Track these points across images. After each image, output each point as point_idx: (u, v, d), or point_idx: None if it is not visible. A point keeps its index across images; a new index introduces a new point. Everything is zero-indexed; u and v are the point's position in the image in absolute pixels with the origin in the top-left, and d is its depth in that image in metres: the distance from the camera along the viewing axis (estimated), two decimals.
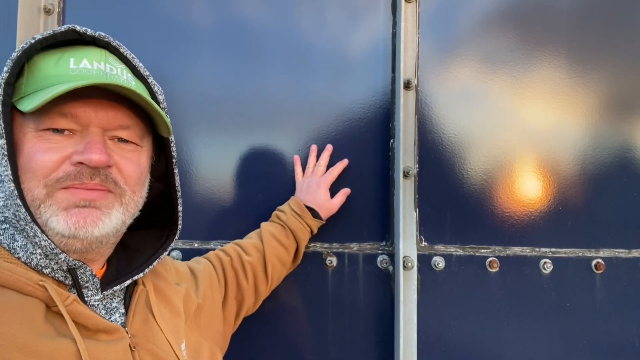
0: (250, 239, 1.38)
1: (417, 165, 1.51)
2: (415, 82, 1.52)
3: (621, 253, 1.51)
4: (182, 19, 1.56)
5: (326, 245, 1.52)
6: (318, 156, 1.53)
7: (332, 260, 1.50)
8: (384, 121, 1.54)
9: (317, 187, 1.45)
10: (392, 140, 1.53)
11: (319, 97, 1.54)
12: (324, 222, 1.45)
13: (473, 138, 1.52)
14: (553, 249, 1.50)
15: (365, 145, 1.53)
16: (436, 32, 1.54)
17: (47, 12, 1.54)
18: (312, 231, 1.43)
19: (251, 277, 1.30)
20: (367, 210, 1.53)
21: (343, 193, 1.49)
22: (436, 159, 1.51)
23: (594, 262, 1.50)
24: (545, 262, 1.49)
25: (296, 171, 1.52)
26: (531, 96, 1.53)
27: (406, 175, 1.48)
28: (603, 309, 1.49)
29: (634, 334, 1.49)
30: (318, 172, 1.49)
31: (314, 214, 1.42)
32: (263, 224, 1.42)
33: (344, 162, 1.52)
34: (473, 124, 1.52)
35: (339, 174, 1.51)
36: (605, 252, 1.51)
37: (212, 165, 1.54)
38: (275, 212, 1.44)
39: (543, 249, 1.50)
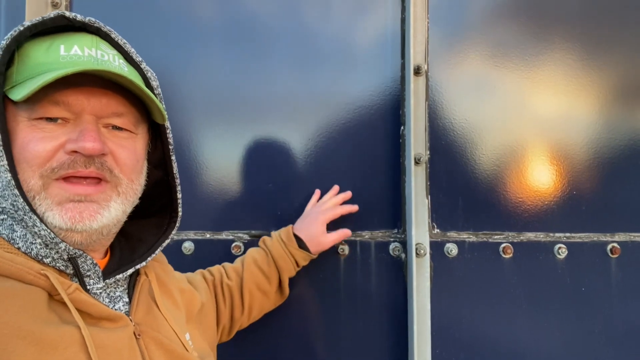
0: (235, 263, 1.29)
1: (428, 152, 1.41)
2: (425, 67, 1.42)
3: (637, 237, 1.40)
4: (190, 12, 1.47)
5: None
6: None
7: (344, 249, 1.41)
8: (394, 108, 1.44)
9: (314, 219, 1.32)
10: (402, 127, 1.43)
11: (328, 85, 1.44)
12: (313, 255, 1.31)
13: (484, 123, 1.41)
14: (567, 234, 1.40)
15: (376, 133, 1.44)
16: (446, 17, 1.43)
17: (55, 5, 1.45)
18: (297, 263, 1.28)
19: (228, 301, 1.22)
20: (378, 197, 1.43)
21: (342, 233, 1.35)
22: (447, 145, 1.41)
23: (609, 247, 1.40)
24: (559, 248, 1.39)
25: (311, 200, 1.40)
26: (543, 80, 1.42)
27: (417, 162, 1.39)
28: (619, 293, 1.39)
29: None
30: (324, 205, 1.36)
31: (301, 244, 1.28)
32: (250, 249, 1.31)
33: (354, 208, 1.38)
34: (484, 109, 1.42)
35: (342, 213, 1.36)
36: (621, 236, 1.40)
37: (224, 156, 1.45)
38: (264, 237, 1.33)
39: (557, 234, 1.40)
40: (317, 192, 1.42)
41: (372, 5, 1.45)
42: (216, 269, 1.26)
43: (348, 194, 1.40)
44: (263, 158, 1.44)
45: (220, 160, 1.45)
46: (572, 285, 1.39)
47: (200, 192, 1.43)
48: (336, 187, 1.41)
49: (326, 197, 1.40)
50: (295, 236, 1.28)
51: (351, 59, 1.44)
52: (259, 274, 1.25)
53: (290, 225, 1.33)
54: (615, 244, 1.39)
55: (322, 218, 1.32)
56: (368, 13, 1.45)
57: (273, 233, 1.32)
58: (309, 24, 1.45)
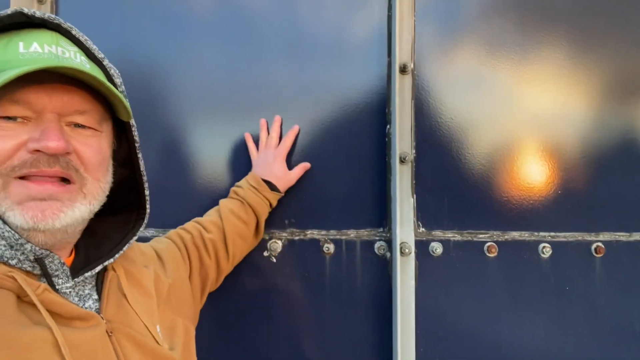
0: (210, 216, 1.27)
1: (413, 151, 1.35)
2: (412, 66, 1.36)
3: (621, 236, 1.36)
4: (179, 7, 1.41)
5: (323, 232, 1.38)
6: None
7: (330, 247, 1.37)
8: (380, 106, 1.38)
9: (273, 160, 1.33)
10: (388, 126, 1.38)
11: (314, 83, 1.39)
12: (282, 194, 1.34)
13: (470, 122, 1.36)
14: (552, 233, 1.35)
15: (362, 131, 1.39)
16: (432, 15, 1.38)
17: (40, 1, 1.40)
18: (270, 204, 1.31)
19: (213, 253, 1.20)
20: (364, 196, 1.38)
21: (302, 167, 1.37)
22: (433, 144, 1.36)
23: (593, 246, 1.35)
24: (544, 247, 1.35)
25: (249, 148, 1.38)
26: (530, 79, 1.37)
27: (403, 160, 1.33)
28: (603, 292, 1.35)
29: (634, 318, 1.34)
30: (271, 144, 1.36)
31: (271, 186, 1.30)
32: (222, 201, 1.30)
33: (295, 130, 1.38)
34: (470, 108, 1.37)
35: (292, 142, 1.38)
36: (606, 236, 1.36)
37: (208, 153, 1.41)
38: (233, 188, 1.32)
39: (542, 233, 1.36)
40: (248, 136, 1.39)
41: (359, 4, 1.39)
42: (191, 226, 1.23)
43: (278, 119, 1.39)
44: (248, 155, 1.39)
45: (205, 156, 1.40)
46: (556, 284, 1.35)
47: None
48: (263, 121, 1.39)
49: (263, 137, 1.38)
50: (265, 180, 1.29)
51: (338, 57, 1.39)
52: (238, 223, 1.25)
53: (252, 172, 1.33)
54: (599, 244, 1.35)
55: (279, 157, 1.34)
56: (355, 11, 1.39)
57: (241, 183, 1.31)
58: (296, 22, 1.40)
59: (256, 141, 1.39)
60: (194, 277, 1.14)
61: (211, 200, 1.37)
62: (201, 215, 1.29)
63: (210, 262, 1.19)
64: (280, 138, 1.39)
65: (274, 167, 1.32)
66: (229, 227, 1.23)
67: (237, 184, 1.32)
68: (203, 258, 1.17)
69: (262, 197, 1.28)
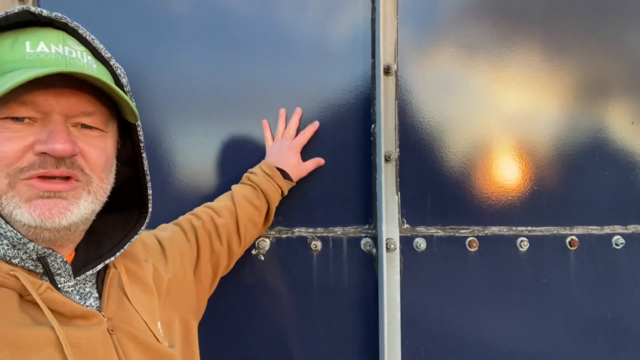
0: (222, 201, 1.26)
1: (398, 150, 1.38)
2: (395, 67, 1.39)
3: (594, 230, 1.42)
4: (163, 7, 1.39)
5: (311, 229, 1.39)
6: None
7: (317, 244, 1.38)
8: (364, 106, 1.40)
9: (288, 150, 1.33)
10: (373, 126, 1.40)
11: (300, 84, 1.40)
12: (294, 183, 1.34)
13: (452, 122, 1.40)
14: (529, 228, 1.40)
15: (347, 131, 1.40)
16: (415, 18, 1.41)
17: (22, 0, 1.35)
18: (282, 192, 1.32)
19: (225, 239, 1.19)
20: (350, 194, 1.40)
21: (315, 161, 1.38)
22: (416, 143, 1.39)
23: (568, 239, 1.41)
24: (521, 241, 1.39)
25: (266, 135, 1.39)
26: (507, 80, 1.42)
27: (387, 159, 1.36)
28: (577, 283, 1.40)
29: (607, 307, 1.41)
30: (289, 135, 1.37)
31: (284, 175, 1.30)
32: (234, 187, 1.29)
33: (315, 125, 1.39)
34: (452, 108, 1.40)
35: (310, 136, 1.38)
36: (579, 230, 1.41)
37: (196, 153, 1.39)
38: (246, 174, 1.31)
39: (520, 228, 1.40)
40: (266, 123, 1.39)
41: (343, 6, 1.41)
42: (202, 210, 1.21)
43: (299, 112, 1.39)
44: (236, 155, 1.39)
45: (192, 157, 1.39)
46: (534, 276, 1.40)
47: (172, 188, 1.37)
48: (282, 111, 1.39)
49: (280, 127, 1.38)
50: (278, 169, 1.29)
51: (323, 59, 1.40)
52: (250, 208, 1.24)
53: (265, 160, 1.33)
54: (573, 237, 1.40)
55: (294, 148, 1.35)
56: (339, 14, 1.41)
57: (254, 170, 1.31)
58: (281, 23, 1.40)
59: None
60: (202, 264, 1.13)
61: (199, 199, 1.36)
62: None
63: (222, 248, 1.17)
64: (298, 131, 1.39)
65: (289, 157, 1.33)
66: (242, 212, 1.22)
67: (250, 170, 1.31)
68: (214, 244, 1.16)
69: (275, 184, 1.28)
